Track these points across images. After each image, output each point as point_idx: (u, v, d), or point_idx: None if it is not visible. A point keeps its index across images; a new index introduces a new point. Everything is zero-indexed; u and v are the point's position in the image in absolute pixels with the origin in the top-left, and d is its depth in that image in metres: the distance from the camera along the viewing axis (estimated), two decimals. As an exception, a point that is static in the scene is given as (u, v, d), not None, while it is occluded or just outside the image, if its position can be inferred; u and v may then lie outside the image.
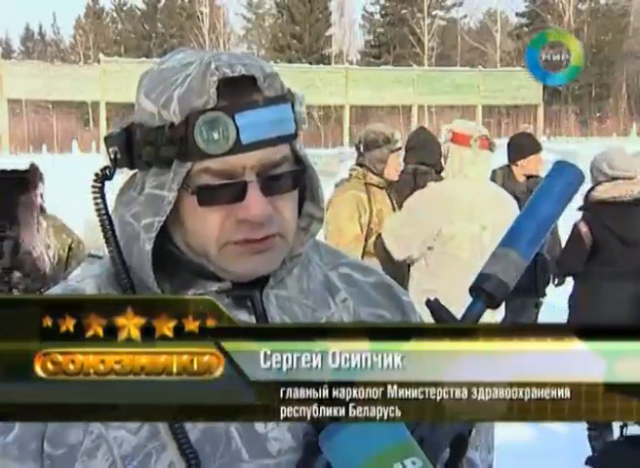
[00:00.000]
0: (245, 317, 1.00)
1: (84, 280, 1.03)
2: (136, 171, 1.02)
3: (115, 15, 54.69)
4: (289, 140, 0.98)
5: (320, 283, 1.09)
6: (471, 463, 1.14)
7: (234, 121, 0.93)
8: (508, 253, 1.00)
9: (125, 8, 54.30)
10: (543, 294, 5.33)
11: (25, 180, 4.56)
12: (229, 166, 0.94)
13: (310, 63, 43.26)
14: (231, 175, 0.95)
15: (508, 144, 5.52)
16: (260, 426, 0.97)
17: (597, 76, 46.21)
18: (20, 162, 5.03)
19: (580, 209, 4.72)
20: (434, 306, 0.99)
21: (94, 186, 1.00)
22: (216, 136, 0.92)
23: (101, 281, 1.02)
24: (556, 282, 5.39)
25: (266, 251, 0.97)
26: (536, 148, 5.34)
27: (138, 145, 0.97)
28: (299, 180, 1.00)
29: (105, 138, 1.01)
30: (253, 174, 0.95)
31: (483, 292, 0.99)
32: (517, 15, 52.95)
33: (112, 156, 0.99)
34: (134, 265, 0.99)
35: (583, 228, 4.64)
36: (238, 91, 0.94)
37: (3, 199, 4.48)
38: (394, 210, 5.61)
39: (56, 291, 1.05)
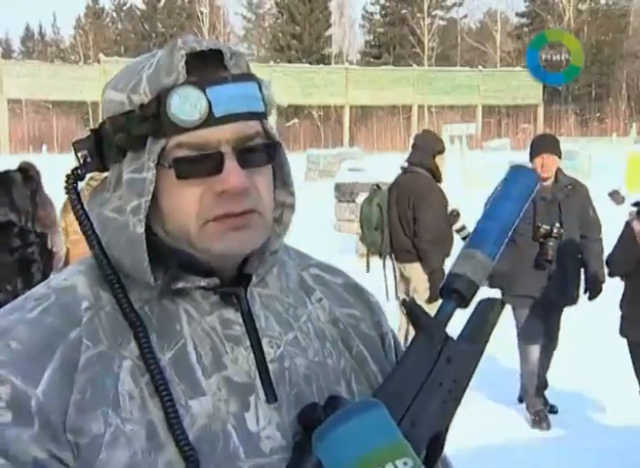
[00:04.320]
0: (232, 315, 1.00)
1: (70, 278, 1.01)
2: (105, 175, 1.02)
3: (115, 14, 54.74)
4: (259, 118, 0.98)
5: (296, 282, 1.10)
6: (445, 462, 1.14)
7: (205, 94, 0.93)
8: (475, 253, 1.03)
9: (125, 8, 54.37)
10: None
11: (30, 178, 4.40)
12: (204, 139, 0.94)
13: (310, 63, 43.29)
14: (206, 148, 0.94)
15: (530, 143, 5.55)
16: (252, 425, 0.96)
17: (597, 76, 46.23)
18: (19, 161, 4.98)
19: (634, 204, 4.51)
20: (410, 306, 1.01)
21: (67, 187, 1.00)
22: (188, 108, 0.93)
23: (90, 278, 1.00)
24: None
25: (246, 227, 0.97)
26: (546, 150, 5.24)
27: (109, 136, 0.97)
28: (273, 155, 1.00)
29: (74, 144, 1.00)
30: (228, 146, 0.95)
31: (454, 291, 1.01)
32: (517, 15, 53.05)
33: (82, 160, 0.99)
34: (123, 258, 0.98)
35: (637, 227, 4.38)
36: (207, 66, 0.95)
37: (19, 200, 4.32)
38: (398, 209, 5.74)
39: (41, 289, 1.01)
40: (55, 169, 4.87)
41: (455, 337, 1.00)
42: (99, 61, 36.49)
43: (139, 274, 0.97)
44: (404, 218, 5.61)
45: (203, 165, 0.95)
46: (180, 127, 0.93)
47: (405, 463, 0.86)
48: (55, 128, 37.68)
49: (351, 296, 1.13)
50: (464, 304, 1.02)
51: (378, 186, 6.04)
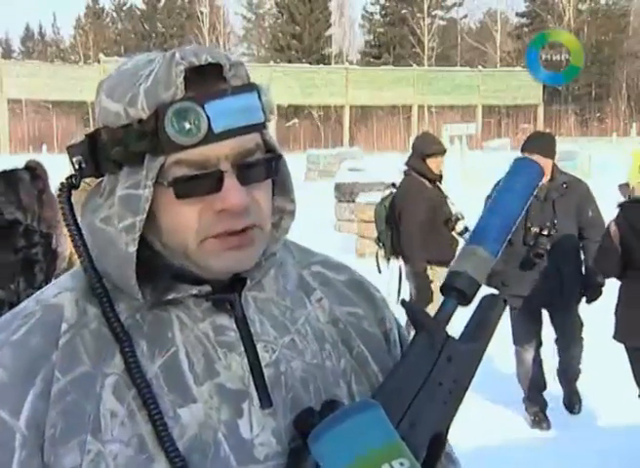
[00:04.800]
0: (225, 321, 0.99)
1: (60, 294, 0.99)
2: (100, 179, 1.00)
3: (115, 14, 54.69)
4: (259, 129, 0.97)
5: (295, 283, 1.08)
6: (450, 457, 1.14)
7: (204, 110, 0.91)
8: (476, 250, 1.01)
9: (125, 8, 54.32)
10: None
11: (38, 177, 4.41)
12: (203, 156, 0.92)
13: (310, 63, 43.26)
14: (206, 165, 0.93)
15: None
16: (245, 432, 0.95)
17: (597, 76, 46.19)
18: (19, 161, 4.97)
19: (618, 205, 4.44)
20: (409, 305, 1.00)
21: (59, 196, 0.98)
22: (187, 126, 0.90)
23: (78, 294, 0.99)
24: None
25: (246, 245, 0.95)
26: (531, 150, 5.14)
27: (105, 147, 0.95)
28: (273, 168, 0.98)
29: (68, 148, 0.99)
30: (227, 163, 0.93)
31: (454, 289, 1.00)
32: (517, 15, 52.98)
33: (77, 165, 0.97)
34: (110, 271, 0.97)
35: (613, 227, 4.33)
36: (205, 80, 0.93)
37: (26, 199, 4.33)
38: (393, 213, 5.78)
39: (30, 305, 1.00)
40: (55, 169, 4.86)
41: (458, 336, 0.99)
42: (99, 61, 36.43)
43: (126, 289, 0.96)
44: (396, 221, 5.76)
45: (202, 184, 0.93)
46: (178, 145, 0.91)
47: (401, 464, 0.86)
48: (55, 128, 37.63)
49: (354, 293, 1.12)
50: (466, 302, 1.00)
51: (394, 185, 6.07)
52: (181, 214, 0.94)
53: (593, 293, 5.06)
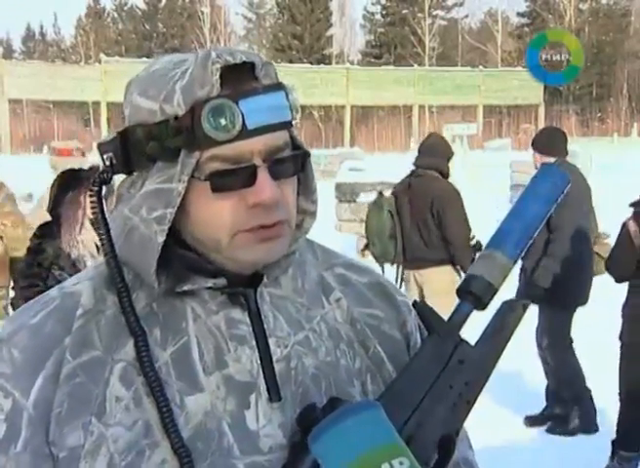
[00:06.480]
0: (238, 314, 1.01)
1: (79, 283, 1.03)
2: (129, 176, 1.03)
3: (116, 15, 54.69)
4: (287, 127, 1.00)
5: (314, 282, 1.09)
6: (469, 463, 1.14)
7: (239, 107, 0.94)
8: (494, 254, 1.00)
9: (126, 8, 54.32)
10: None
11: (79, 179, 4.49)
12: (237, 151, 0.95)
13: (311, 63, 43.26)
14: (239, 160, 0.96)
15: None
16: (251, 423, 0.97)
17: (597, 76, 46.17)
18: (20, 161, 5.00)
19: (631, 205, 4.24)
20: (421, 308, 1.00)
21: (91, 190, 1.01)
22: (223, 122, 0.93)
23: (97, 283, 1.02)
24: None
25: (275, 238, 0.98)
26: (535, 147, 5.15)
27: (139, 144, 0.97)
28: (301, 165, 1.02)
29: (99, 146, 1.02)
30: (260, 158, 0.96)
31: (470, 293, 1.00)
32: (518, 15, 52.96)
33: (108, 162, 1.00)
34: (132, 258, 1.00)
35: (632, 227, 4.16)
36: (239, 78, 0.96)
37: (58, 197, 4.42)
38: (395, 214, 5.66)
39: (53, 292, 1.04)
40: (55, 169, 4.91)
41: (475, 340, 0.99)
42: (99, 62, 36.39)
43: (145, 276, 0.99)
44: (422, 223, 5.34)
45: (237, 177, 0.96)
46: (214, 140, 0.94)
47: (401, 463, 0.86)
48: (55, 128, 37.62)
49: (375, 296, 1.13)
50: (481, 306, 1.00)
51: (381, 193, 5.85)
52: (215, 209, 0.97)
53: (530, 295, 4.77)
